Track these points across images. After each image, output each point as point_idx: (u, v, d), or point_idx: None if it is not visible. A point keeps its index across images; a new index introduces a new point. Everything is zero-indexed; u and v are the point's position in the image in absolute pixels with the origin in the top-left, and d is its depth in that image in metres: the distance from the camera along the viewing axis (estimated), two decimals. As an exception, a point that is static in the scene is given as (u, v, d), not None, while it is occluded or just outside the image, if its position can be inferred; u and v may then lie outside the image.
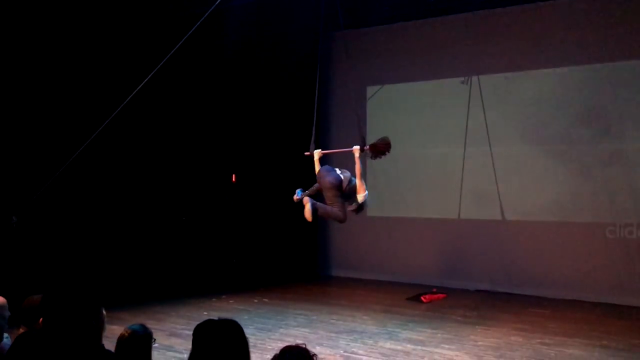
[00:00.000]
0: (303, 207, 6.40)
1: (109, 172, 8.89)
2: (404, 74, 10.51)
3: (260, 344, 6.32)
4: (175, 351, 5.96)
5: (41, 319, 2.90)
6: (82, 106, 8.19)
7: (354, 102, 8.76)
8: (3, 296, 3.46)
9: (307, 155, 7.00)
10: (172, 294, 8.92)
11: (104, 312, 3.27)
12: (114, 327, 3.39)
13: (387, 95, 10.73)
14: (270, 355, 2.59)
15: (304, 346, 2.57)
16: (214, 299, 8.81)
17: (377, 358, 6.07)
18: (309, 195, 6.57)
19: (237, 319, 2.49)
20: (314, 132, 7.04)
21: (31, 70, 7.93)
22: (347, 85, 10.52)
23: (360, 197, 6.66)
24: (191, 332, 2.41)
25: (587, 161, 8.98)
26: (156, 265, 9.38)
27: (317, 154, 6.97)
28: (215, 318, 2.45)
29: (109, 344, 3.22)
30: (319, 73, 7.28)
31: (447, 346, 6.46)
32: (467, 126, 9.83)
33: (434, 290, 9.32)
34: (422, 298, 8.87)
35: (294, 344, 2.61)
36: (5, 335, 3.36)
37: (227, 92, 10.25)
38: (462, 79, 9.84)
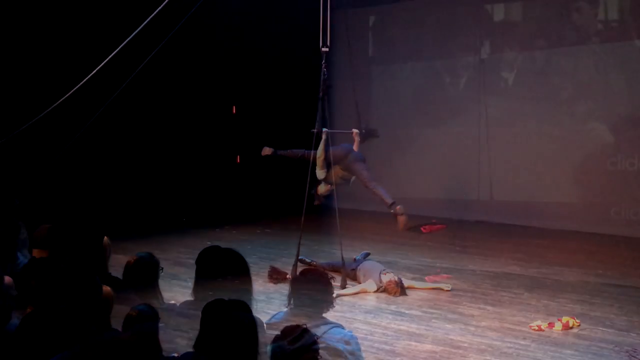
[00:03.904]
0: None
1: (114, 106, 8.79)
2: (409, 52, 10.36)
3: (263, 272, 6.46)
4: (180, 279, 6.09)
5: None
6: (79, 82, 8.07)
7: (354, 84, 8.47)
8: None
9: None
10: (176, 225, 9.03)
11: (109, 241, 3.33)
12: (119, 256, 3.46)
13: (392, 75, 10.60)
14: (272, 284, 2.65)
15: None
16: (217, 230, 8.93)
17: (377, 287, 6.20)
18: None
19: (239, 249, 2.53)
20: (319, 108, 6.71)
21: (28, 50, 7.83)
22: (352, 64, 10.28)
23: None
24: (194, 261, 2.44)
25: (590, 101, 8.92)
26: (160, 196, 9.46)
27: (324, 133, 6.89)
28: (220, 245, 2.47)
29: (115, 272, 3.30)
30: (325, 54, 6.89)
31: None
32: (459, 103, 9.78)
33: (434, 221, 9.38)
34: (421, 229, 8.96)
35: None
36: None
37: (232, 67, 10.10)
38: (471, 57, 9.71)
